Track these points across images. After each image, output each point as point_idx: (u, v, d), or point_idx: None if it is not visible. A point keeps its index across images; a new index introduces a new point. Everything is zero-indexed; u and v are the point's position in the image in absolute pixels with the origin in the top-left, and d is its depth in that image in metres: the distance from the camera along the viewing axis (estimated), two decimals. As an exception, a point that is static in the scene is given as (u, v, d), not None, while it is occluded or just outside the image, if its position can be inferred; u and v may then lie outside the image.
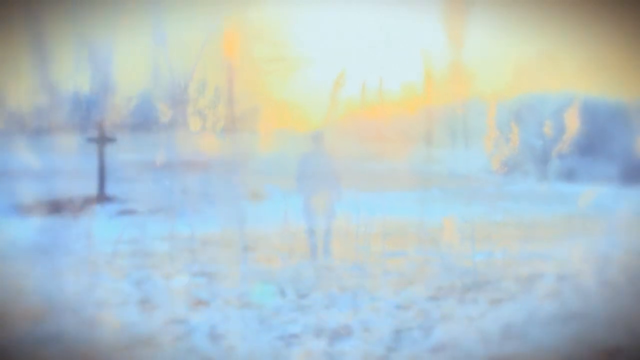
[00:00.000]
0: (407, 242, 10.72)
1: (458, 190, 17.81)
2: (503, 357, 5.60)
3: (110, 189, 17.17)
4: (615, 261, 7.37)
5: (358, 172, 13.47)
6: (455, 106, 19.45)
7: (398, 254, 9.87)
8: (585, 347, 5.64)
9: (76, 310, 6.31)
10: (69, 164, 15.30)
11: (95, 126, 16.82)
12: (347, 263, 8.95)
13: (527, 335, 5.91)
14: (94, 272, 7.92)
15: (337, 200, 9.71)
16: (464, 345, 5.78)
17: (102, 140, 16.90)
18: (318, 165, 9.63)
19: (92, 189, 16.74)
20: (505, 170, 18.56)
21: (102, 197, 16.52)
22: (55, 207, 10.22)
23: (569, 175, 19.10)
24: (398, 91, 20.48)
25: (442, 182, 20.02)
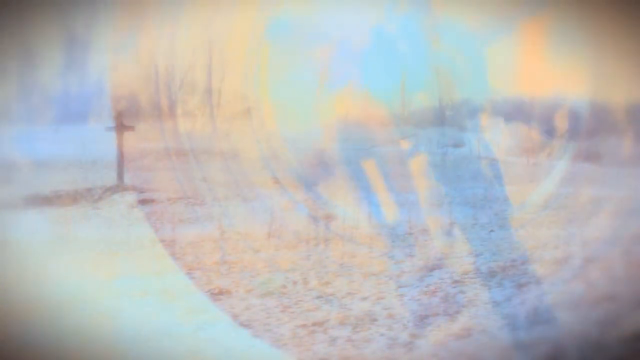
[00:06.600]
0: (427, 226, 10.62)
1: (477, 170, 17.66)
2: (530, 342, 5.51)
3: (129, 178, 17.16)
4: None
5: (354, 169, 13.43)
6: (445, 107, 19.34)
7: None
8: (613, 331, 5.53)
9: (96, 302, 6.30)
10: (86, 153, 15.32)
11: (113, 115, 16.83)
12: (370, 249, 8.87)
13: (554, 319, 5.82)
14: (114, 263, 7.90)
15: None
16: (490, 331, 5.70)
17: (121, 129, 16.89)
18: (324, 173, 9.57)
19: (110, 178, 16.75)
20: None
21: (121, 187, 16.53)
22: (74, 197, 10.20)
23: (594, 157, 18.88)
24: (385, 91, 20.31)
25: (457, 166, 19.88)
